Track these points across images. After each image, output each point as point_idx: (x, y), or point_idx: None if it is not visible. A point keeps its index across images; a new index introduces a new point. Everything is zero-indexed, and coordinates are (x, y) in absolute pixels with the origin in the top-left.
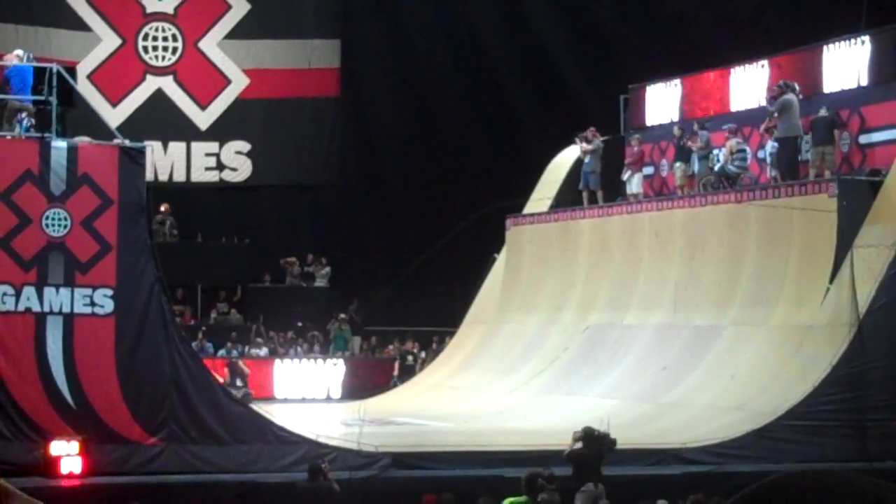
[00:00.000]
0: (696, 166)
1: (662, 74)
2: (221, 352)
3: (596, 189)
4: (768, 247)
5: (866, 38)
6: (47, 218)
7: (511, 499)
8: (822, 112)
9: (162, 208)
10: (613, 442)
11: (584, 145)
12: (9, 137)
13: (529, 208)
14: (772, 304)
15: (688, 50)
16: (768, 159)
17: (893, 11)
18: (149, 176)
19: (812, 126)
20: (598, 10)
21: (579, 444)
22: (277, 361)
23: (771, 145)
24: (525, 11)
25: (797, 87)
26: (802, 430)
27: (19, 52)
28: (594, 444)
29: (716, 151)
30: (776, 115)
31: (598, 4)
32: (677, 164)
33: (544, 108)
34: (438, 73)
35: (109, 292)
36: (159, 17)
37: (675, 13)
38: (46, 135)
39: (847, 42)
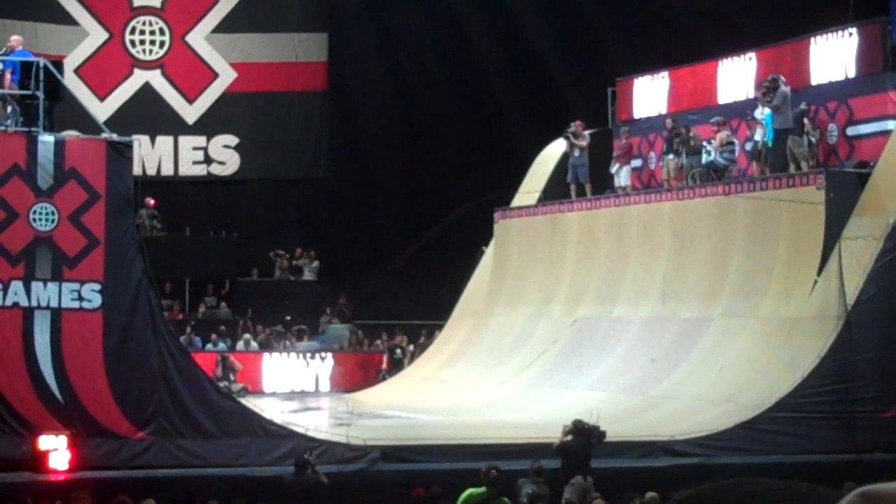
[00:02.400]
0: (684, 159)
1: (649, 67)
2: (209, 346)
3: (585, 181)
4: (756, 239)
5: (853, 30)
6: (34, 212)
7: (471, 489)
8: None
9: (148, 202)
10: (602, 434)
11: (577, 141)
12: None
13: (517, 201)
14: (760, 296)
15: (675, 42)
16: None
17: (880, 3)
18: (136, 170)
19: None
20: (584, 3)
21: (569, 438)
22: (266, 355)
23: (760, 133)
24: (511, 5)
25: (783, 79)
26: (791, 422)
27: (17, 36)
28: (583, 437)
29: (704, 143)
30: (777, 108)
31: None
32: (670, 157)
33: (531, 101)
34: (425, 67)
35: (97, 287)
36: (146, 10)
37: (662, 6)
38: (33, 129)
39: (834, 34)
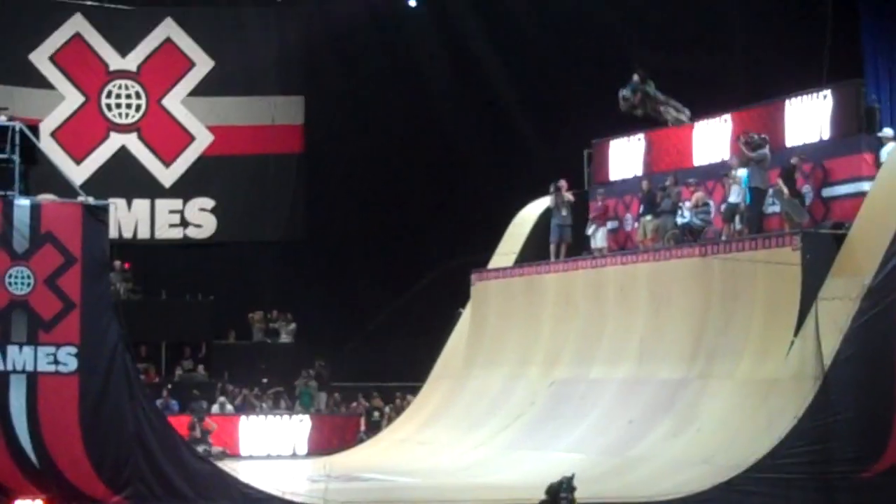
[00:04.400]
0: (660, 220)
1: (625, 129)
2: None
3: (569, 242)
4: (733, 300)
5: (828, 92)
6: (10, 276)
7: None
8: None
9: (120, 266)
10: (570, 480)
11: (568, 195)
12: None
13: (494, 263)
14: (737, 357)
15: None
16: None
17: (854, 65)
18: (113, 233)
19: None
20: (559, 65)
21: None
22: (243, 418)
23: (736, 192)
24: (485, 68)
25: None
26: (769, 483)
27: None
28: (552, 496)
29: (680, 204)
30: (759, 162)
31: (558, 59)
32: (647, 218)
33: (507, 163)
34: (400, 129)
35: (73, 350)
36: (123, 74)
37: (636, 68)
38: (9, 193)
39: (809, 96)
